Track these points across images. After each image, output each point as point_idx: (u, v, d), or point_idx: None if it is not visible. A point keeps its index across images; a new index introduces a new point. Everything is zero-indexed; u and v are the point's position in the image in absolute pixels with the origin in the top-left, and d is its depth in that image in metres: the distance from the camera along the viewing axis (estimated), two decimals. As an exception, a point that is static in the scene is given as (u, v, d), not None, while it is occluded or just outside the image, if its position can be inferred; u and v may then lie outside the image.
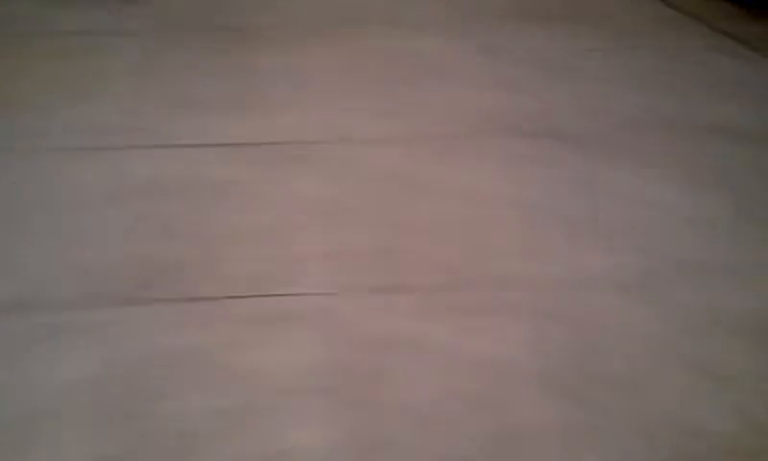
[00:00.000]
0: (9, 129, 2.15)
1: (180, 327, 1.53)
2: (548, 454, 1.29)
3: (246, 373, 1.42)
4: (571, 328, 1.56)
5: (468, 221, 1.78)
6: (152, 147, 2.01)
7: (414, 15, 2.37)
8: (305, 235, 1.77)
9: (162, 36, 2.60)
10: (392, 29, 2.22)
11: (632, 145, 1.94)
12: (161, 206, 1.85)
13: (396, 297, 1.65)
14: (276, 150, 1.96)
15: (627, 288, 1.65)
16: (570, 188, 1.84)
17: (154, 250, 1.72)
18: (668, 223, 1.79)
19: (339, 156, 1.92)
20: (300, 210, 1.86)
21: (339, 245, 1.74)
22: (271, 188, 1.89)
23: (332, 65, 2.15)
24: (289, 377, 1.43)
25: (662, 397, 1.44)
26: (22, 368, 1.42)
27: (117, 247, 1.71)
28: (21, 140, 2.10)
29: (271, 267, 1.69)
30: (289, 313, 1.59)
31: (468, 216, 1.79)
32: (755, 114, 1.99)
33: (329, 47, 2.22)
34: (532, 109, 2.00)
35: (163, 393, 1.36)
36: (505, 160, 1.90)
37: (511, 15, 2.30)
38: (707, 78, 2.10)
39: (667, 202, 1.84)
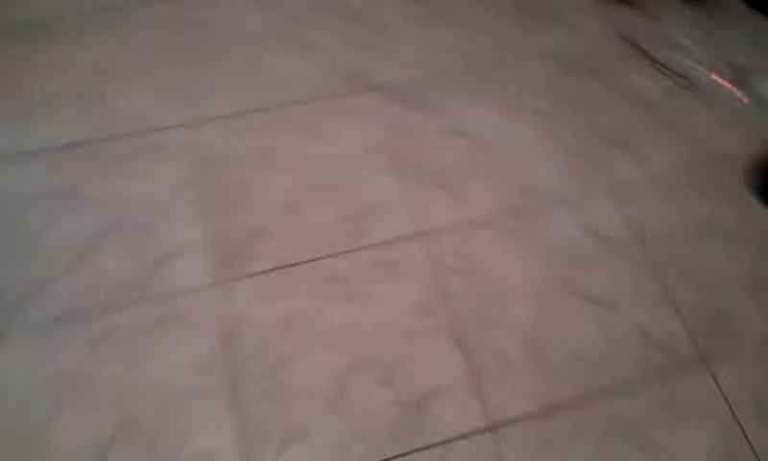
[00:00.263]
0: None
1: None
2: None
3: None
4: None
5: (338, 185, 1.77)
6: None
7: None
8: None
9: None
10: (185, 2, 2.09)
11: (461, 87, 1.98)
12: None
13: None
14: (77, 155, 1.78)
15: (500, 225, 1.71)
16: (414, 138, 1.86)
17: None
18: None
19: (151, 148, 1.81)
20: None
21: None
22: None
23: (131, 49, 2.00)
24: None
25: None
26: None
27: None
28: None
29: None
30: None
31: (333, 182, 1.77)
32: (577, 45, 2.08)
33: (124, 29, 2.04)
34: (353, 66, 2.00)
35: None
36: (344, 120, 1.88)
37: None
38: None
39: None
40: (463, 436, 1.42)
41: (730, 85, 1.93)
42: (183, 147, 1.81)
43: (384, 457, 1.40)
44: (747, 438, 1.44)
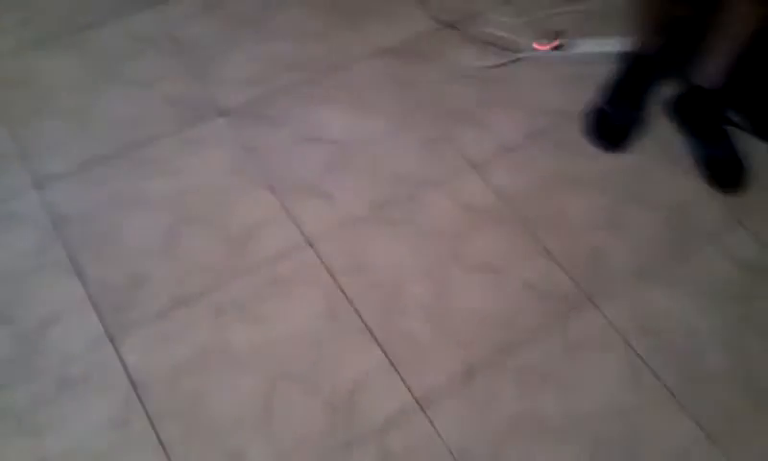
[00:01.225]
0: None
1: None
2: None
3: None
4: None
5: (210, 214, 1.75)
6: None
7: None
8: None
9: None
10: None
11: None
12: None
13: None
14: None
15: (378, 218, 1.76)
16: (273, 153, 1.88)
17: None
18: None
19: None
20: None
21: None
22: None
23: None
24: None
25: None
26: None
27: None
28: None
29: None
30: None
31: (204, 212, 1.75)
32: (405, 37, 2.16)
33: None
34: (192, 96, 1.98)
35: None
36: (198, 150, 1.86)
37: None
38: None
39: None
40: (396, 420, 1.46)
41: (549, 49, 2.10)
42: (36, 210, 1.72)
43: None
44: (642, 359, 1.58)
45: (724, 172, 1.87)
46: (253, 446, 1.42)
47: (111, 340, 1.54)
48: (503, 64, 2.10)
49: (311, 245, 1.71)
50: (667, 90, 1.98)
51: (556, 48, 2.10)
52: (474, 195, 1.83)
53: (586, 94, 2.01)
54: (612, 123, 1.94)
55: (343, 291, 1.64)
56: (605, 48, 2.05)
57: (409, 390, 1.50)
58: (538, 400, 1.51)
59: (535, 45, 2.12)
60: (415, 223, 1.76)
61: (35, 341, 1.54)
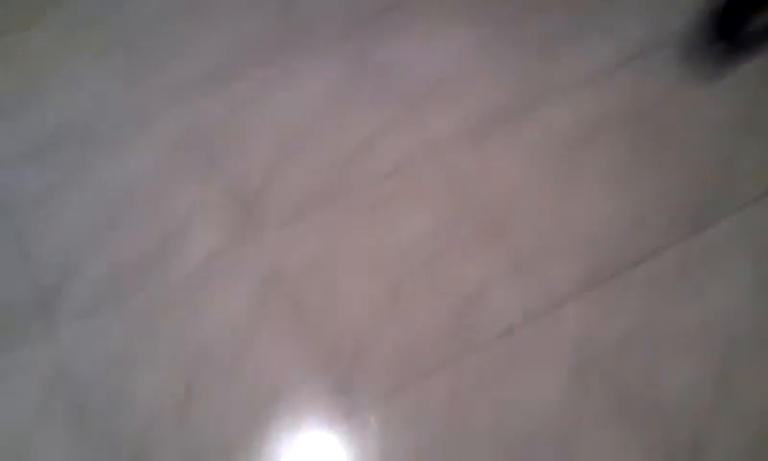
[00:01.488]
0: None
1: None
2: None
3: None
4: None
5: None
6: None
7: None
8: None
9: None
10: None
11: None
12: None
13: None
14: None
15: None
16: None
17: None
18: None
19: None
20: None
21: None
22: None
23: None
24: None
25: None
26: None
27: None
28: None
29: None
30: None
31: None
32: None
33: None
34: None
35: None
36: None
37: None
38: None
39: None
40: (520, 322, 1.48)
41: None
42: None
43: (451, 354, 1.44)
44: None
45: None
46: (378, 337, 1.48)
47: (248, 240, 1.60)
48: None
49: (437, 151, 1.73)
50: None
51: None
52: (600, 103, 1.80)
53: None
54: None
55: (466, 196, 1.66)
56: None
57: (535, 292, 1.51)
58: (663, 312, 1.50)
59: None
60: (535, 135, 1.76)
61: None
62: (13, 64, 1.95)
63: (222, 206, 1.66)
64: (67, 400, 1.44)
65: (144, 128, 1.80)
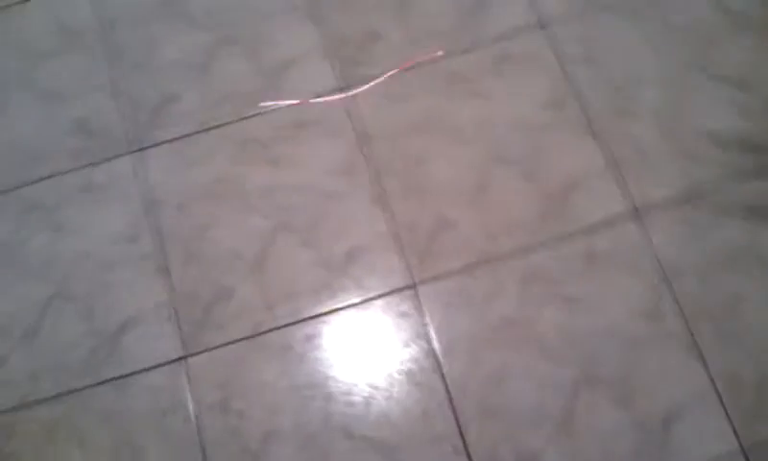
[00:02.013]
0: None
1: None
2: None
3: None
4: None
5: None
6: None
7: None
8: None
9: None
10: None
11: None
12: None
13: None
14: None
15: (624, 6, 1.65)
16: None
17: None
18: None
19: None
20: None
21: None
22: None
23: None
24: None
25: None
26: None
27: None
28: None
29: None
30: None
31: None
32: None
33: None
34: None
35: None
36: None
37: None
38: None
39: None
40: (607, 222, 1.45)
41: None
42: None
43: (529, 244, 1.43)
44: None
45: None
46: (465, 216, 1.48)
47: (342, 89, 1.60)
48: None
49: (543, 27, 1.65)
50: None
51: None
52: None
53: None
54: None
55: (570, 81, 1.59)
56: None
57: (626, 196, 1.48)
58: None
59: None
60: (663, 18, 1.64)
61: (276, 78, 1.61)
62: None
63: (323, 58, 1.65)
64: (153, 224, 1.51)
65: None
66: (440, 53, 1.62)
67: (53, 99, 1.63)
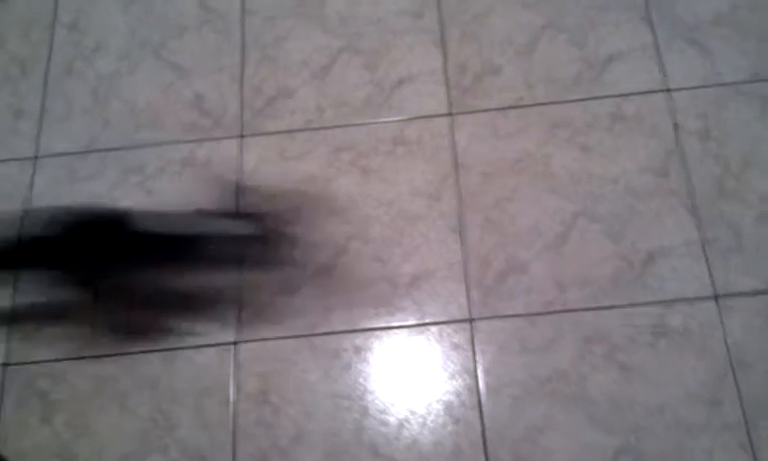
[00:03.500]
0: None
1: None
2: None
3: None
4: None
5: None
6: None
7: None
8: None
9: None
10: None
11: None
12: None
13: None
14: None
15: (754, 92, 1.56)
16: None
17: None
18: None
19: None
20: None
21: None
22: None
23: None
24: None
25: None
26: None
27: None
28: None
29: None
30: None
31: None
32: None
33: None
34: None
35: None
36: None
37: None
38: None
39: None
40: (686, 299, 1.39)
41: None
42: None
43: (598, 303, 1.39)
44: None
45: None
46: (538, 262, 1.44)
47: (450, 114, 1.59)
48: None
49: (667, 93, 1.60)
50: None
51: None
52: None
53: None
54: None
55: (680, 151, 1.53)
56: None
57: (710, 278, 1.41)
58: None
59: None
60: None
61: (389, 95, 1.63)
62: None
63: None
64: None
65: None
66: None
67: (180, 71, 1.70)
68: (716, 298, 1.39)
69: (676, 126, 1.55)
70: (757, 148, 1.52)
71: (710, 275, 1.41)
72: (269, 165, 1.58)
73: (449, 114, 1.60)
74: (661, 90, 1.59)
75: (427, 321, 1.42)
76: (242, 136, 1.61)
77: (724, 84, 1.58)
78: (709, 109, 1.56)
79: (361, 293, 1.45)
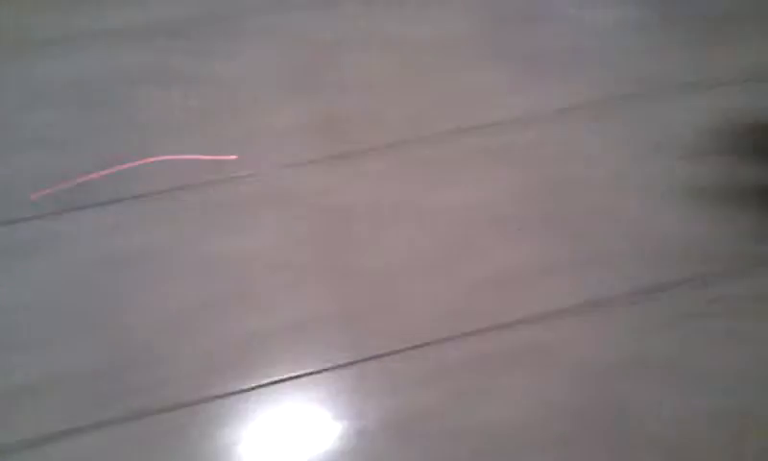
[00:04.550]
0: None
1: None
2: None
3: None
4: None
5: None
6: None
7: None
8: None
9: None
10: None
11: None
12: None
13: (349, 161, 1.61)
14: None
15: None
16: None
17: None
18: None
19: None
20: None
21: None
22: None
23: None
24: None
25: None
26: None
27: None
28: None
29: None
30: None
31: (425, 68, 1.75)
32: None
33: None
34: None
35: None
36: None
37: None
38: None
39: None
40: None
41: None
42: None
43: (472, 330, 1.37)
44: None
45: None
46: (408, 298, 1.42)
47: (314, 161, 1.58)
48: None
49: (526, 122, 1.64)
50: None
51: None
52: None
53: None
54: None
55: (543, 179, 1.56)
56: None
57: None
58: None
59: None
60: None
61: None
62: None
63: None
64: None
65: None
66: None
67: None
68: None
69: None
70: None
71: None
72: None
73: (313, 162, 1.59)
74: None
75: (302, 372, 1.36)
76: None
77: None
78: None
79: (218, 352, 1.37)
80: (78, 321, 1.38)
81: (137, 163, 1.57)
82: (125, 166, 1.56)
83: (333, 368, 1.35)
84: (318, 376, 1.34)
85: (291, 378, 1.35)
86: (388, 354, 1.35)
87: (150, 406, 1.29)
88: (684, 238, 1.47)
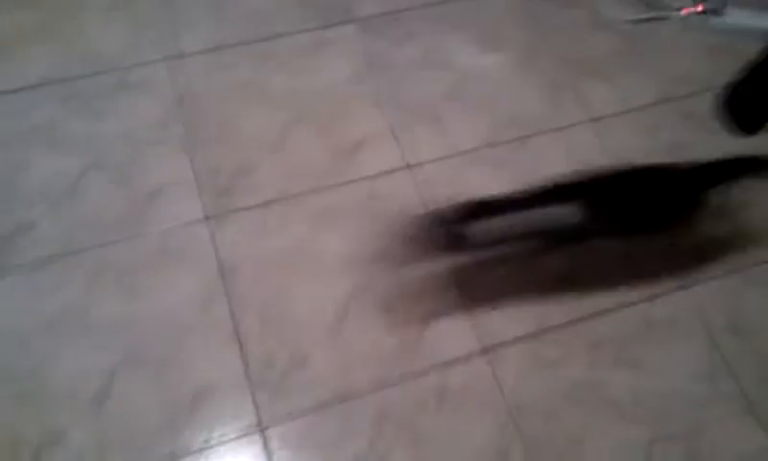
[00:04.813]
0: None
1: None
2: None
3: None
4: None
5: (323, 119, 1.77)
6: None
7: None
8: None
9: None
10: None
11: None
12: None
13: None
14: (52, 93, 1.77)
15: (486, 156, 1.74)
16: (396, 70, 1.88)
17: None
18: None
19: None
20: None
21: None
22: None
23: None
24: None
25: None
26: None
27: None
28: None
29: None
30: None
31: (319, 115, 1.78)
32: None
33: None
34: None
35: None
36: (324, 53, 1.88)
37: None
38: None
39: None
40: (459, 359, 1.48)
41: (696, 12, 1.98)
42: (163, 82, 1.79)
43: (383, 382, 1.44)
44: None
45: None
46: (318, 350, 1.48)
47: (209, 220, 1.61)
48: (646, 21, 2.01)
49: (409, 168, 1.72)
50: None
51: (702, 12, 1.98)
52: (587, 151, 1.78)
53: (727, 68, 1.89)
54: (747, 107, 1.82)
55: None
56: (759, 23, 1.92)
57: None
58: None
59: (683, 10, 2.01)
60: (519, 167, 1.74)
61: (142, 207, 1.62)
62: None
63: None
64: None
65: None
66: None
67: None
68: (484, 351, 1.49)
69: (425, 195, 1.66)
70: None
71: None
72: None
73: (207, 218, 1.62)
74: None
75: (213, 442, 1.38)
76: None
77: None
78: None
79: (138, 424, 1.38)
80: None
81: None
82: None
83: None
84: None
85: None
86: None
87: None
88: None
